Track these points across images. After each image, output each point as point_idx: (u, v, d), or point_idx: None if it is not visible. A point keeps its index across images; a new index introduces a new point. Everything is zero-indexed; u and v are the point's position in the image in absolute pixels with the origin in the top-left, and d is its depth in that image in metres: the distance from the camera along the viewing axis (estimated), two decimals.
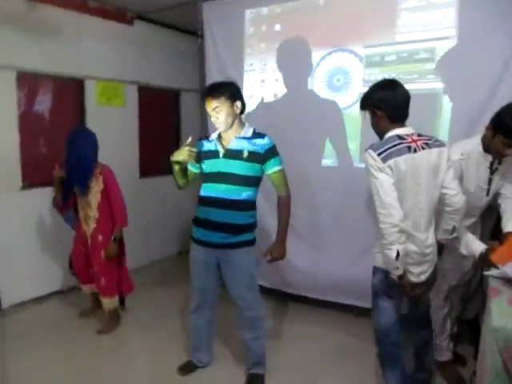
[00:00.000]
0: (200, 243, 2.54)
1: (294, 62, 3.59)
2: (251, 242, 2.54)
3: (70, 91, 4.15)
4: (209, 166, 2.51)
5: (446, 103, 2.99)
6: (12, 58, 3.58)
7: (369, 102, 2.16)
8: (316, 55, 3.47)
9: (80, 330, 3.38)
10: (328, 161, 3.54)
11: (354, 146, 3.39)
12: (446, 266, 2.64)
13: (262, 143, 2.42)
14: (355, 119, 3.31)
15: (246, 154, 2.40)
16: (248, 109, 3.72)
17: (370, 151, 2.04)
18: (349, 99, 3.36)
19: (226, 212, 2.42)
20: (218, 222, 2.44)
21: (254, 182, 2.47)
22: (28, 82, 3.78)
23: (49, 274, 3.98)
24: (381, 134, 2.17)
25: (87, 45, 4.15)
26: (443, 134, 3.00)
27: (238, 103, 2.42)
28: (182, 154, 2.46)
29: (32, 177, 3.83)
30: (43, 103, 3.95)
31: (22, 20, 3.60)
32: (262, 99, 3.79)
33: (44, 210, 3.88)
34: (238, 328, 2.71)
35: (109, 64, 4.39)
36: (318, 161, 3.57)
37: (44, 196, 3.85)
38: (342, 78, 3.38)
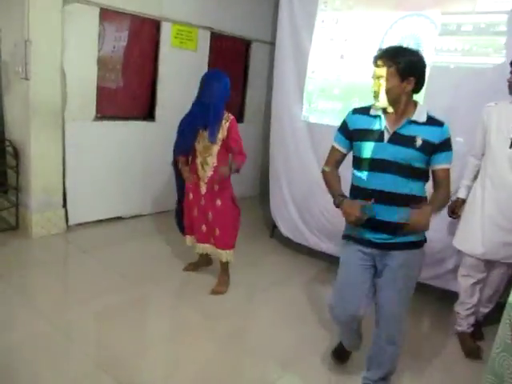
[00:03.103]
0: (358, 242, 2.11)
1: None
2: (419, 244, 2.09)
3: (147, 31, 4.32)
4: (368, 149, 2.02)
5: None
6: None
7: None
8: (390, 18, 3.40)
9: (130, 251, 3.75)
10: None
11: None
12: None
13: (439, 132, 1.96)
14: None
15: (419, 143, 1.94)
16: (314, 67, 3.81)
17: None
18: None
19: (394, 208, 1.98)
20: (383, 220, 2.00)
21: (425, 175, 2.05)
22: (109, 18, 4.00)
23: (112, 201, 4.34)
24: None
25: None
26: None
27: (412, 80, 1.93)
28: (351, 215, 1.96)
29: (104, 109, 4.13)
30: (121, 40, 4.17)
31: None
32: None
33: (112, 141, 4.19)
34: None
35: (186, 8, 4.50)
36: None
37: (113, 128, 4.17)
38: (412, 44, 3.29)
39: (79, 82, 3.84)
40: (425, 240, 2.11)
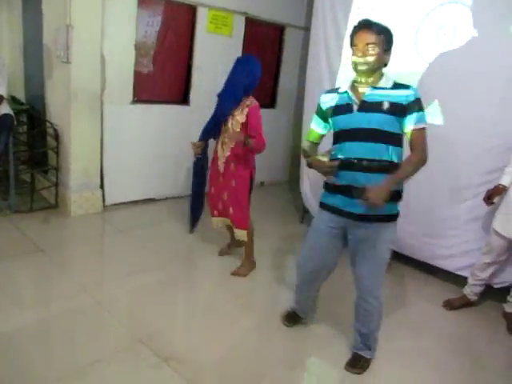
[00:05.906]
0: (334, 211, 2.18)
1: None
2: (394, 217, 2.14)
3: (183, 16, 4.39)
4: (341, 122, 2.13)
5: None
6: None
7: None
8: (426, 6, 3.35)
9: (164, 231, 3.88)
10: None
11: None
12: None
13: (405, 94, 2.02)
14: None
15: (386, 106, 2.00)
16: None
17: None
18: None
19: (373, 175, 2.01)
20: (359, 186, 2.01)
21: (398, 139, 2.07)
22: (147, 4, 4.08)
23: (146, 182, 4.48)
24: None
25: None
26: None
27: (389, 54, 2.08)
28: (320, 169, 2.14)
29: (141, 93, 4.24)
30: (158, 25, 4.24)
31: None
32: None
33: (147, 124, 4.31)
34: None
35: None
36: None
37: (149, 112, 4.28)
38: (449, 32, 3.27)
39: (117, 66, 3.96)
40: (397, 214, 2.15)
